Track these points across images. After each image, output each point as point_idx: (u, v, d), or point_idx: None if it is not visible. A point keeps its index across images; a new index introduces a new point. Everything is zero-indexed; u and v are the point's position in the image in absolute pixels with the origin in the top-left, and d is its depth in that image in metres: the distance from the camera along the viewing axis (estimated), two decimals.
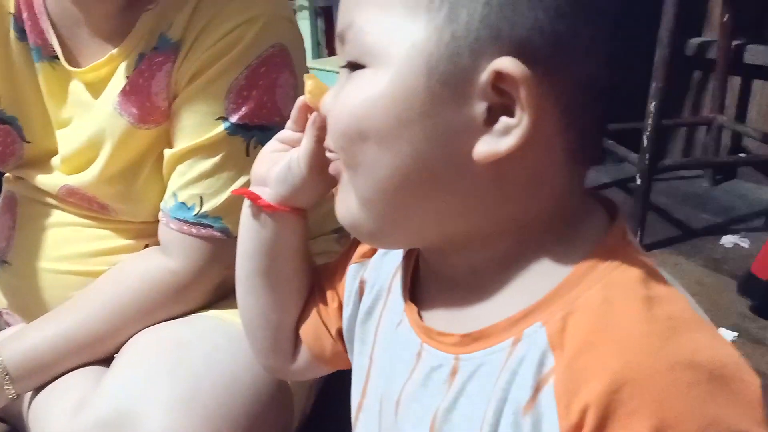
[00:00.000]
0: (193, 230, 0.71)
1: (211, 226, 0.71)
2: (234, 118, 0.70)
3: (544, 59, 0.35)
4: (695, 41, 1.91)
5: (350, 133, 0.38)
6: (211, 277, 0.74)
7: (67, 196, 0.78)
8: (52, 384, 0.72)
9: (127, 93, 0.71)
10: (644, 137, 1.47)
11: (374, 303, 0.50)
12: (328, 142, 0.42)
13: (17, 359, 0.71)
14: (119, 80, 0.72)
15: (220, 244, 0.72)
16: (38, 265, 0.79)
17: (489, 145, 0.36)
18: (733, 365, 0.34)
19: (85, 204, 0.77)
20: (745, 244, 1.58)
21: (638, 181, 1.50)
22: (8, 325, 0.85)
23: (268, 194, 0.52)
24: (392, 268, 0.50)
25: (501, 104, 0.36)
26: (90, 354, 0.73)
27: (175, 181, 0.72)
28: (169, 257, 0.73)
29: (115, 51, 0.72)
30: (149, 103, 0.71)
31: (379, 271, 0.51)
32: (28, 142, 0.78)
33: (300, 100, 0.50)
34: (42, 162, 0.79)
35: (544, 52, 0.35)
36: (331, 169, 0.43)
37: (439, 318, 0.44)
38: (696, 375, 0.33)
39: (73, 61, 0.75)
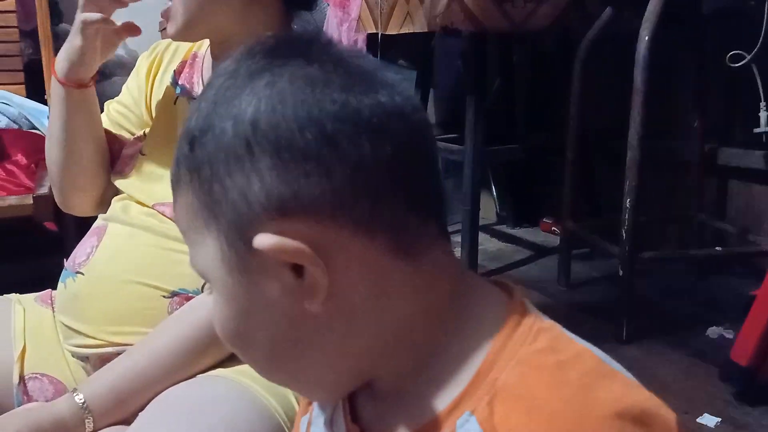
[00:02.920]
0: None
1: None
2: None
3: (290, 210, 0.38)
4: (671, 145, 2.04)
5: (232, 345, 0.44)
6: None
7: (159, 206, 0.89)
8: None
9: None
10: (623, 231, 1.57)
11: None
12: None
13: (98, 395, 0.77)
14: None
15: None
16: (112, 274, 0.86)
17: (316, 296, 0.39)
18: (650, 405, 0.37)
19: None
20: (729, 335, 1.63)
21: (620, 273, 1.58)
22: (27, 397, 0.91)
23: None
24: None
25: (295, 261, 0.39)
26: (162, 387, 0.78)
27: None
28: None
29: None
30: None
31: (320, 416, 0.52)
32: (144, 155, 0.93)
33: None
34: (148, 176, 0.92)
35: (283, 207, 0.38)
36: None
37: (381, 424, 0.45)
38: (623, 424, 0.35)
39: None
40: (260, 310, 0.41)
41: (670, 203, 2.13)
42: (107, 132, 1.00)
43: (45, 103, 1.92)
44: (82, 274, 0.89)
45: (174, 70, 0.97)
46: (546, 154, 2.33)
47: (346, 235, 0.39)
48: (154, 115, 0.98)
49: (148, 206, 0.91)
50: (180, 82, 0.95)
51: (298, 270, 0.39)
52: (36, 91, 2.09)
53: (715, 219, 1.96)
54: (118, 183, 0.96)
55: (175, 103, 0.95)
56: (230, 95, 0.40)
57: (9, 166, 1.86)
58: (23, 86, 2.19)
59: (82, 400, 0.77)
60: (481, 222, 2.58)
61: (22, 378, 0.92)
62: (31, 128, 2.07)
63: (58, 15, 2.47)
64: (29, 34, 2.27)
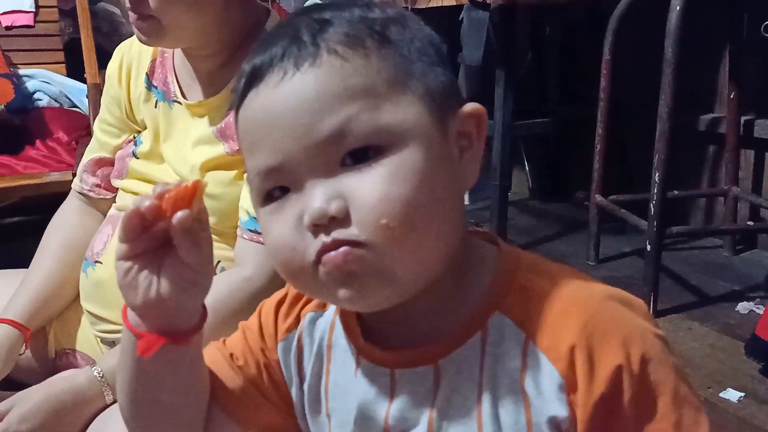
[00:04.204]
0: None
1: None
2: None
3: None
4: (706, 117, 2.00)
5: (414, 210, 0.43)
6: (278, 283, 0.83)
7: None
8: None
9: (223, 129, 0.88)
10: (651, 206, 1.56)
11: (319, 366, 0.55)
12: (361, 233, 0.43)
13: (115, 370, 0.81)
14: (215, 119, 0.90)
15: None
16: None
17: (471, 174, 0.48)
18: (621, 292, 0.48)
19: None
20: (760, 310, 1.61)
21: (648, 248, 1.57)
22: (63, 365, 0.97)
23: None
24: (326, 327, 0.55)
25: (461, 143, 0.48)
26: None
27: (247, 199, 0.84)
28: (243, 267, 0.83)
29: (211, 98, 0.91)
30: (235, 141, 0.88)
31: (313, 337, 0.55)
32: (138, 158, 0.97)
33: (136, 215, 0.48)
34: (145, 176, 0.96)
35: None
36: (350, 263, 0.43)
37: (400, 342, 0.50)
38: (614, 303, 0.47)
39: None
40: (440, 165, 0.46)
41: (704, 177, 2.09)
42: (105, 160, 1.03)
43: (84, 81, 1.98)
44: (101, 263, 0.93)
45: (146, 72, 0.97)
46: (579, 127, 2.31)
47: None
48: (138, 118, 0.99)
49: None
50: (155, 85, 0.96)
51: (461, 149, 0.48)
52: (76, 70, 2.15)
53: (751, 193, 1.92)
54: (120, 185, 0.99)
55: (156, 107, 0.96)
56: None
57: (51, 144, 1.94)
58: (63, 65, 2.25)
59: (101, 373, 0.81)
60: (515, 197, 2.58)
61: (56, 353, 0.97)
62: (72, 107, 2.14)
63: None
64: (68, 13, 2.33)
